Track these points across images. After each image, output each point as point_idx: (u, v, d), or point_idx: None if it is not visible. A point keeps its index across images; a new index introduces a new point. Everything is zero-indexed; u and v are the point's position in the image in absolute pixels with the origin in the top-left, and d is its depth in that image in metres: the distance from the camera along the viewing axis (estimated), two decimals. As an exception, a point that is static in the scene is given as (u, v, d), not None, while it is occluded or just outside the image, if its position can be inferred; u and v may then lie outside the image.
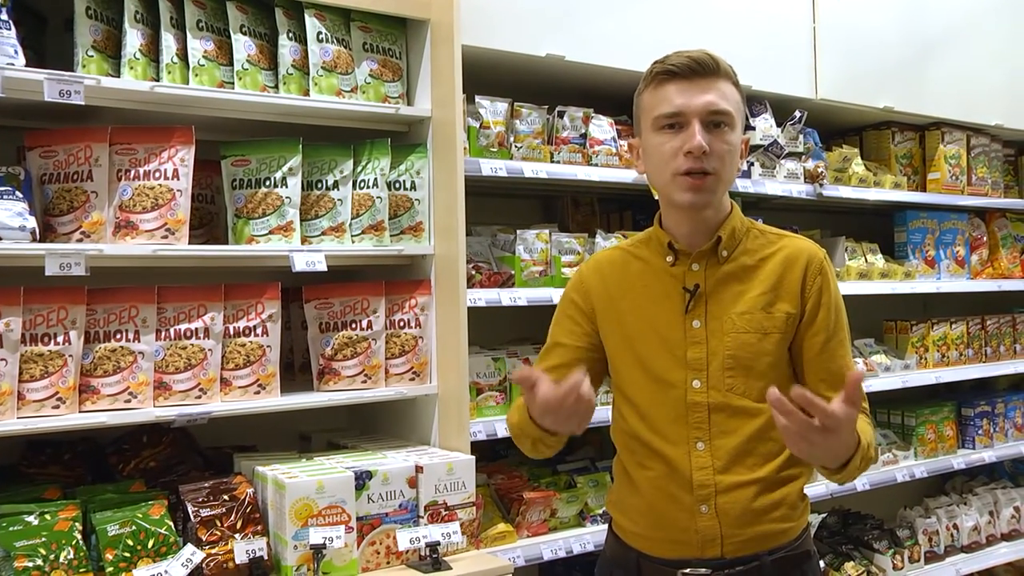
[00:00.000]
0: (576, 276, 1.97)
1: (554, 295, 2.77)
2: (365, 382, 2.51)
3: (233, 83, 2.38)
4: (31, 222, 2.05)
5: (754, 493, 1.75)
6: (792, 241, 1.85)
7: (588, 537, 2.77)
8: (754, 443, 1.75)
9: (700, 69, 1.73)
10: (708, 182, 1.73)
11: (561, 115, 2.94)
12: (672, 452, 1.77)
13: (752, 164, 3.29)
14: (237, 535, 2.14)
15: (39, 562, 1.93)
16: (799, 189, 3.40)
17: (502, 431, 2.64)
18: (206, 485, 2.20)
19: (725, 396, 1.76)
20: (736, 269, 1.81)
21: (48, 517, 2.01)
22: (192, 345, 2.25)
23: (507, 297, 2.70)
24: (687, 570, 1.76)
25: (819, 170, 3.45)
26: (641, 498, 1.82)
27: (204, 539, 2.10)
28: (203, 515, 2.13)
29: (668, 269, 1.83)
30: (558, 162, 2.89)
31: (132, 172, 2.22)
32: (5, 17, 2.03)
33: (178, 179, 2.24)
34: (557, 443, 1.85)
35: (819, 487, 3.24)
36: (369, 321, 2.52)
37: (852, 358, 1.86)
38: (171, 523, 2.11)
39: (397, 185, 2.62)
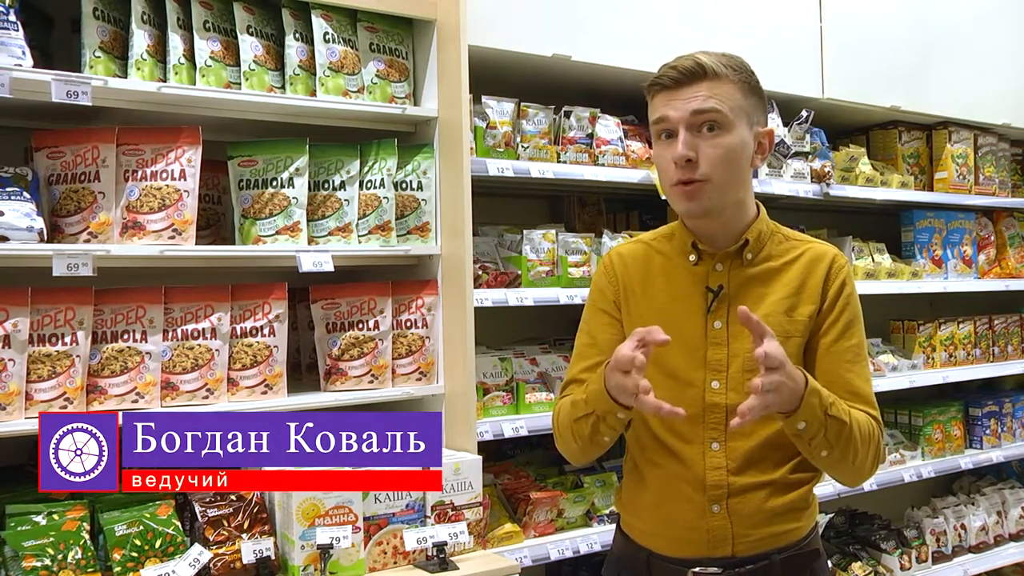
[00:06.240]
0: (602, 267, 1.93)
1: (561, 295, 2.77)
2: (372, 382, 2.51)
3: (240, 84, 2.38)
4: (39, 223, 2.05)
5: (766, 495, 1.73)
6: (816, 245, 1.83)
7: (595, 537, 2.77)
8: (770, 447, 1.74)
9: (683, 78, 1.69)
10: (701, 189, 1.70)
11: (568, 115, 2.94)
12: (686, 451, 1.76)
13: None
14: (244, 535, 2.14)
15: (47, 562, 1.94)
16: (806, 189, 3.39)
17: (509, 431, 2.64)
18: (213, 485, 2.21)
19: (744, 398, 1.74)
20: (760, 272, 1.79)
21: (56, 517, 2.01)
22: (199, 345, 2.26)
23: (514, 297, 2.70)
24: (697, 569, 1.75)
25: (826, 170, 3.44)
26: (652, 496, 1.81)
27: (211, 539, 2.11)
28: (210, 515, 2.13)
29: (690, 268, 1.81)
30: (564, 162, 2.89)
31: (139, 173, 2.23)
32: (13, 18, 2.03)
33: (185, 179, 2.24)
34: (619, 426, 1.72)
35: (826, 487, 3.22)
36: (376, 321, 2.52)
37: (867, 371, 1.78)
38: (178, 523, 2.11)
39: (404, 185, 2.62)
